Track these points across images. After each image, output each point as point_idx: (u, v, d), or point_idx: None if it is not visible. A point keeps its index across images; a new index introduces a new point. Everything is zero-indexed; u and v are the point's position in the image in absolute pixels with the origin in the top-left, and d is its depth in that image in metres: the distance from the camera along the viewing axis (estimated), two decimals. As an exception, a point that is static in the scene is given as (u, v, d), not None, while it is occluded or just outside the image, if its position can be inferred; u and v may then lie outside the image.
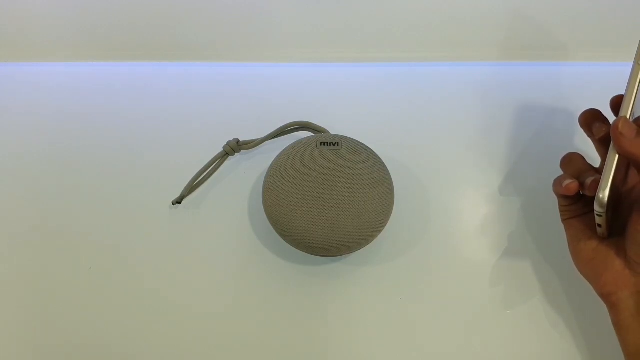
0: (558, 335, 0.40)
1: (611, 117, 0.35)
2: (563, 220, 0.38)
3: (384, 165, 0.41)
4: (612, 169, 0.33)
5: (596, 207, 0.33)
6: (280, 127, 0.45)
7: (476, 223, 0.44)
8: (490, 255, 0.43)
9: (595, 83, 0.49)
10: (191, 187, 0.44)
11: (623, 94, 0.34)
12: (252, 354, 0.40)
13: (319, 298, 0.42)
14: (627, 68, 0.33)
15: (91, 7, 0.51)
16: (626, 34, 0.49)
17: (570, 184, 0.35)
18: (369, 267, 0.43)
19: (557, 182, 0.37)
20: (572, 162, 0.37)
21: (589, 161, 0.37)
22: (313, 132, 0.45)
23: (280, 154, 0.41)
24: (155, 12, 0.51)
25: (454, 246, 0.43)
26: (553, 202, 0.39)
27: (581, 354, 0.40)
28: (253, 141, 0.45)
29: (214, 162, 0.45)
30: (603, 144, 0.36)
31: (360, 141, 0.42)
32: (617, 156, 0.33)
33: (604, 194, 0.33)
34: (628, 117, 0.33)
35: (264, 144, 0.46)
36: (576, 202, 0.37)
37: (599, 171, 0.36)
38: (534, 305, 0.41)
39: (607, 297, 0.35)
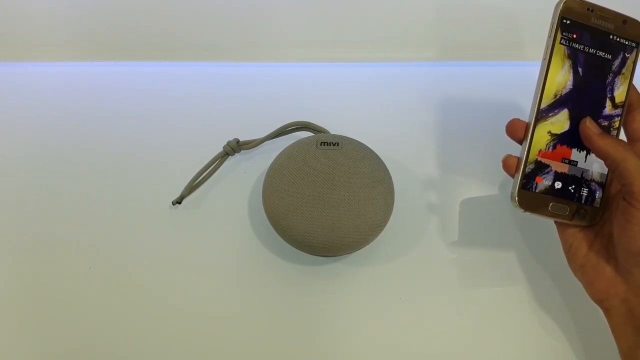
0: (560, 336, 0.40)
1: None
2: (555, 223, 0.38)
3: (384, 165, 0.41)
4: (521, 166, 0.35)
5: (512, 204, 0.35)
6: (280, 127, 0.45)
7: (476, 223, 0.44)
8: (491, 255, 0.43)
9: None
10: (191, 187, 0.44)
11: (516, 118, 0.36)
12: (252, 354, 0.40)
13: (319, 298, 0.42)
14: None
15: (91, 7, 0.51)
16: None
17: (507, 159, 0.36)
18: (369, 267, 0.43)
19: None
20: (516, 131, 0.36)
21: None
22: (313, 132, 0.45)
23: (280, 154, 0.41)
24: (155, 12, 0.51)
25: (454, 246, 0.43)
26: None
27: (579, 355, 0.40)
28: (253, 141, 0.45)
29: (214, 162, 0.45)
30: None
31: (360, 141, 0.42)
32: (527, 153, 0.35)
33: (514, 189, 0.35)
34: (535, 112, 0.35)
35: (264, 144, 0.46)
36: None
37: None
38: (535, 306, 0.41)
39: (599, 302, 0.35)
